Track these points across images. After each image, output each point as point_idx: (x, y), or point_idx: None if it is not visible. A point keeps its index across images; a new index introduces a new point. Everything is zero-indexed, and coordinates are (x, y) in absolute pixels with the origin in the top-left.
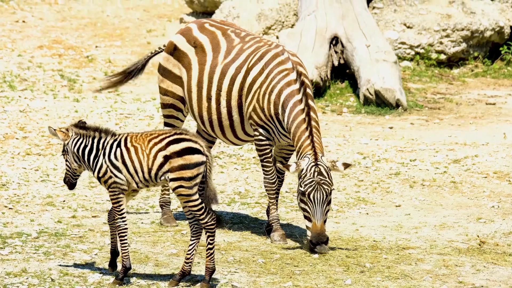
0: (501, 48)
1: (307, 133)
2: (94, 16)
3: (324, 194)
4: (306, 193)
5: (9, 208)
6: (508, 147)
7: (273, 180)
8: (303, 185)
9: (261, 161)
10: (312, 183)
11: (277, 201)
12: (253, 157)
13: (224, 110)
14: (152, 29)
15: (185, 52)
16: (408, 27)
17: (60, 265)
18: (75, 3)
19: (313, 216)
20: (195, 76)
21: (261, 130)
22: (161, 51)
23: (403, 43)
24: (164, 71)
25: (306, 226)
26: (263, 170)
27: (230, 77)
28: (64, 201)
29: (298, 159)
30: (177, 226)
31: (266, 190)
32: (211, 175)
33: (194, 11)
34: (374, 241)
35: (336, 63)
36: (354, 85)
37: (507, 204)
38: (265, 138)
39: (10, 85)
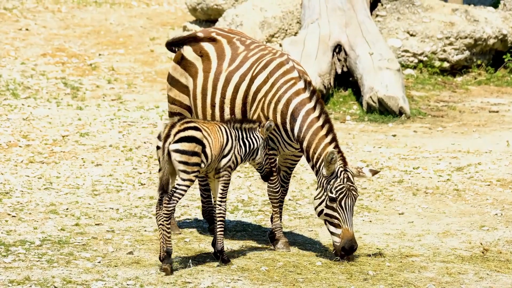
0: (504, 56)
1: (327, 140)
2: (98, 24)
3: (354, 200)
4: (338, 199)
5: (12, 216)
6: (511, 155)
7: (277, 189)
8: (334, 191)
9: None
10: (343, 189)
11: (281, 209)
12: None
13: (227, 118)
14: (155, 37)
15: (191, 61)
16: (411, 35)
17: (63, 273)
18: (79, 11)
19: (344, 222)
20: (199, 84)
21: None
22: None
23: (406, 51)
24: (172, 80)
25: (333, 233)
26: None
27: (234, 84)
28: (67, 209)
29: (316, 166)
30: (180, 234)
31: (270, 198)
32: (164, 164)
33: (197, 19)
34: (377, 248)
35: (339, 71)
36: (357, 93)
37: (510, 212)
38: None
39: (13, 93)
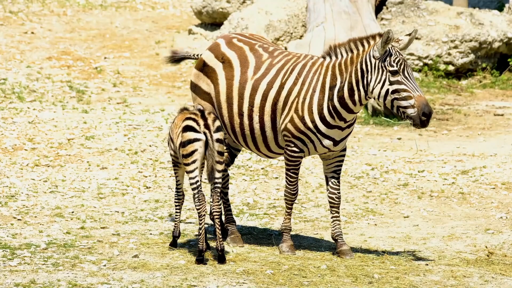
0: (509, 59)
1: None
2: (103, 27)
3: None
4: (401, 69)
5: (18, 219)
6: None
7: (294, 192)
8: (394, 64)
9: (288, 170)
10: (401, 60)
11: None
12: (262, 168)
13: (257, 126)
14: (160, 40)
15: (213, 68)
16: (417, 38)
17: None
18: (84, 14)
19: (413, 90)
20: (223, 92)
21: (296, 142)
22: (196, 58)
23: (411, 54)
24: (195, 88)
25: (406, 107)
26: (286, 179)
27: (262, 92)
28: (72, 212)
29: (358, 72)
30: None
31: (285, 199)
32: (211, 153)
33: (202, 22)
34: (383, 252)
35: None
36: None
37: None
38: (298, 150)
39: (19, 97)
